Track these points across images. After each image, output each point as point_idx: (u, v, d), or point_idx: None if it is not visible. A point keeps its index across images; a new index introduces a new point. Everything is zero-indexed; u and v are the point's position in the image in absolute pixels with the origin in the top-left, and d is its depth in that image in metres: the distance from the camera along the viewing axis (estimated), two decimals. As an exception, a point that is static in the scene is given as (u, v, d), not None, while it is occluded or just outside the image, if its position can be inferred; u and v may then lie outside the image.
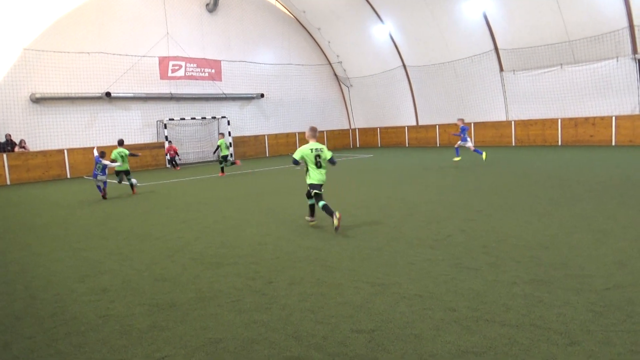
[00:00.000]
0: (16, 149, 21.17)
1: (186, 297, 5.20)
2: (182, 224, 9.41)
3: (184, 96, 26.54)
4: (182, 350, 3.94)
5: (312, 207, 8.48)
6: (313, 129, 8.31)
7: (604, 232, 6.84)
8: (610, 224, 7.29)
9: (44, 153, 21.75)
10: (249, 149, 29.32)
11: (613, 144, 21.55)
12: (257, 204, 11.38)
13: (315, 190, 8.12)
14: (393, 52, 29.31)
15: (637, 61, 20.28)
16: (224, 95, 27.92)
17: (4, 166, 20.62)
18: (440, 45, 26.59)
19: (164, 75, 25.46)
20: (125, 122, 24.74)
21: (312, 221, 8.56)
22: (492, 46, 24.63)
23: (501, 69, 24.84)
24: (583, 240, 6.50)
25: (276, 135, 30.54)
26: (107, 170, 13.73)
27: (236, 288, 5.41)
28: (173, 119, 25.94)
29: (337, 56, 32.35)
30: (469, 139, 18.27)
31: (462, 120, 18.72)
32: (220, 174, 18.69)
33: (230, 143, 27.27)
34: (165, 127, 25.55)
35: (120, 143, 15.58)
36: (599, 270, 5.28)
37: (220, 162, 18.80)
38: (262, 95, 29.66)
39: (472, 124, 27.07)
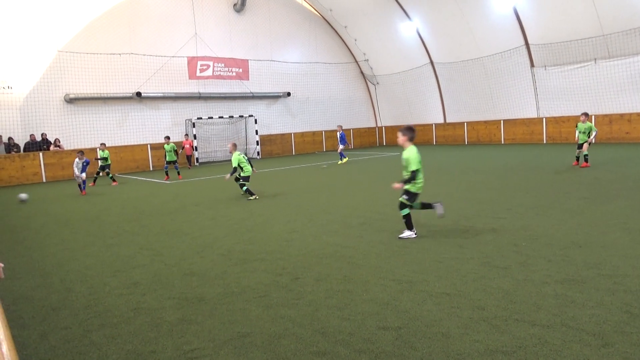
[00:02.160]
0: (51, 147, 21.86)
1: (215, 292, 5.28)
2: (210, 221, 9.55)
3: (212, 95, 26.91)
4: (210, 344, 4.01)
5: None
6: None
7: (639, 231, 6.63)
8: (647, 223, 7.05)
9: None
10: (276, 147, 29.52)
11: (650, 141, 20.81)
12: (284, 202, 11.45)
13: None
14: (420, 48, 29.00)
15: (676, 55, 19.51)
16: (251, 94, 28.17)
17: (40, 164, 21.33)
18: (468, 41, 26.16)
19: (192, 75, 25.86)
20: (155, 121, 25.25)
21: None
22: (522, 41, 24.09)
23: (532, 65, 24.27)
24: (618, 240, 6.31)
25: (302, 133, 30.64)
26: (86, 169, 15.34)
27: (263, 283, 5.46)
28: (201, 118, 26.33)
29: (364, 54, 32.22)
30: (342, 145, 20.65)
31: (340, 127, 21.43)
32: (165, 178, 18.67)
33: (257, 141, 27.50)
34: (194, 126, 25.95)
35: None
36: (635, 270, 5.12)
37: (166, 167, 18.99)
38: (289, 94, 29.79)
39: (502, 121, 26.58)
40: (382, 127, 34.60)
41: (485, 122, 27.59)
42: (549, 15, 22.43)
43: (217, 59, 26.56)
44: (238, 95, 27.90)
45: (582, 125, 14.16)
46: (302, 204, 10.89)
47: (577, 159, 14.38)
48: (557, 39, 22.60)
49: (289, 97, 30.13)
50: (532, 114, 25.28)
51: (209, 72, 26.37)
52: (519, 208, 8.80)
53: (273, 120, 29.67)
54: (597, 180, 11.44)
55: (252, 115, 28.19)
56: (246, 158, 12.51)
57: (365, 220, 8.60)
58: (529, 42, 23.85)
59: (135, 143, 24.46)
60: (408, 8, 27.68)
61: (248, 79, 27.99)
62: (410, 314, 4.36)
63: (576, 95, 22.86)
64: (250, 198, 11.98)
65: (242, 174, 12.34)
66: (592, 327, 3.86)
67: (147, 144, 24.70)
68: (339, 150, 20.86)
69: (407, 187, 6.97)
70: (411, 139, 7.15)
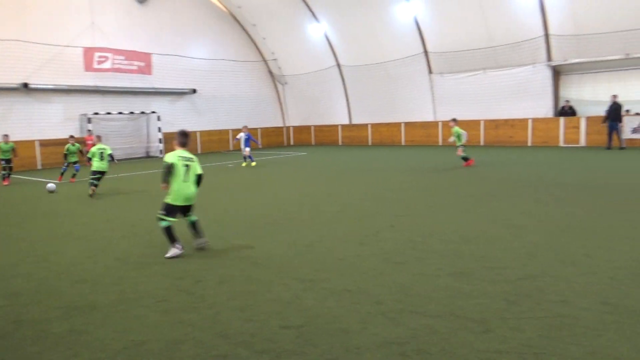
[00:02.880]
0: None
1: (108, 299, 4.97)
2: (105, 223, 8.98)
3: (110, 89, 25.25)
4: (102, 354, 3.77)
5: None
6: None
7: (519, 227, 7.32)
8: (525, 219, 7.82)
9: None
10: (181, 145, 28.42)
11: (529, 144, 23.09)
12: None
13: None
14: (328, 51, 29.60)
15: (551, 68, 21.87)
16: (153, 90, 26.88)
17: None
18: (373, 46, 27.19)
19: (89, 67, 24.08)
20: (44, 116, 23.09)
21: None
22: (422, 49, 25.55)
23: (430, 72, 25.83)
24: (501, 235, 6.92)
25: (209, 132, 29.85)
26: None
27: (162, 288, 5.25)
28: (98, 113, 24.63)
29: (272, 53, 32.19)
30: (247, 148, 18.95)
31: (246, 127, 19.57)
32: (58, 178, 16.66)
33: (160, 139, 26.36)
34: (90, 122, 24.22)
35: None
36: (514, 262, 5.65)
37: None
38: (195, 91, 28.89)
39: (403, 124, 27.97)
40: (289, 127, 34.80)
41: (388, 124, 28.87)
42: (445, 26, 24.03)
43: (116, 51, 24.98)
44: (140, 90, 26.47)
45: (453, 130, 15.69)
46: (207, 204, 10.61)
47: (464, 159, 15.74)
48: (452, 49, 24.27)
49: (195, 94, 29.22)
50: (429, 117, 26.89)
51: (107, 65, 24.72)
52: (417, 206, 9.32)
53: (177, 118, 28.49)
54: (485, 180, 12.46)
55: (154, 112, 26.91)
56: (107, 152, 12.41)
57: (272, 221, 8.60)
58: (428, 50, 25.36)
59: (21, 139, 22.24)
60: (316, 10, 28.13)
61: (151, 74, 26.68)
62: (312, 311, 4.44)
63: (468, 101, 24.71)
64: (90, 193, 12.02)
65: (91, 169, 12.25)
66: (476, 315, 4.19)
67: (34, 140, 22.59)
68: (246, 153, 18.87)
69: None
70: (181, 144, 6.68)
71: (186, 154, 6.62)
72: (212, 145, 29.94)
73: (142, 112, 26.51)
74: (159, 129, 26.75)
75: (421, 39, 25.25)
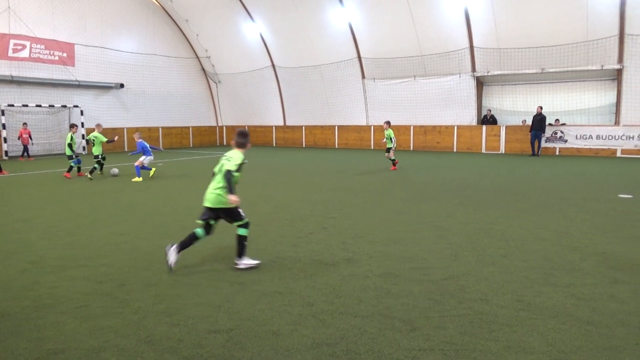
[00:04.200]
0: None
1: (21, 305, 4.62)
2: (22, 223, 8.35)
3: (28, 80, 23.52)
4: (12, 366, 3.49)
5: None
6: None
7: (444, 229, 7.67)
8: (450, 222, 8.19)
9: None
10: (106, 142, 27.03)
11: (455, 150, 24.27)
12: (115, 201, 10.56)
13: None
14: (263, 51, 29.41)
15: (474, 78, 23.13)
16: (77, 83, 25.37)
17: None
18: (308, 49, 27.37)
19: (3, 55, 22.31)
20: (-51, 106, 21.13)
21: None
22: (355, 54, 26.07)
23: (363, 77, 26.42)
24: (427, 236, 7.21)
25: (137, 128, 28.61)
26: None
27: (82, 293, 4.95)
28: (13, 105, 22.86)
29: (206, 50, 31.47)
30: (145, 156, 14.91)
31: (138, 134, 15.50)
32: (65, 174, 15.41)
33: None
34: (3, 114, 22.42)
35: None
36: (439, 262, 5.90)
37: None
38: (122, 86, 27.61)
39: (336, 127, 28.37)
40: (223, 126, 34.20)
41: (322, 126, 29.18)
42: (378, 34, 24.70)
43: (35, 39, 23.33)
44: (61, 82, 24.88)
45: (386, 132, 16.44)
46: (135, 204, 10.18)
47: (393, 162, 16.46)
48: (385, 55, 24.99)
49: (123, 89, 27.92)
50: (362, 121, 27.50)
51: (24, 54, 23.04)
52: (349, 208, 9.48)
53: (103, 113, 27.09)
54: (413, 183, 12.93)
55: (77, 106, 25.41)
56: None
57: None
58: (361, 55, 25.92)
59: None
60: (252, 10, 27.86)
61: (74, 65, 25.18)
62: (242, 314, 4.38)
63: (399, 107, 25.55)
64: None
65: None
66: (403, 315, 4.33)
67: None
68: (138, 163, 14.45)
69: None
70: (237, 145, 5.74)
71: (231, 153, 5.64)
72: (140, 143, 28.72)
73: (64, 106, 24.97)
74: (82, 124, 25.27)
75: (355, 45, 25.77)
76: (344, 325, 4.13)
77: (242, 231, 5.64)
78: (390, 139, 16.32)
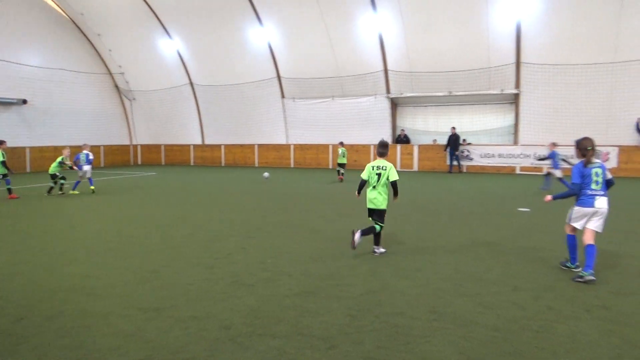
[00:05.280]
0: None
1: None
2: None
3: None
4: None
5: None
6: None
7: (362, 244, 7.84)
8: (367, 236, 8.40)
9: None
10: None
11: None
12: (8, 228, 9.68)
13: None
14: (180, 69, 28.76)
15: (389, 99, 24.22)
16: (-30, 97, 23.20)
17: None
18: (228, 68, 27.18)
19: None
20: None
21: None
22: (275, 74, 26.30)
23: (283, 96, 26.68)
24: (343, 252, 7.34)
25: (41, 148, 26.59)
26: None
27: (-29, 330, 4.46)
28: None
29: (120, 66, 30.17)
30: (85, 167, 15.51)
31: (84, 146, 15.91)
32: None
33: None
34: None
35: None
36: (357, 278, 6.03)
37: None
38: (25, 101, 25.61)
39: (256, 146, 28.28)
40: (137, 145, 32.77)
41: (242, 145, 28.94)
42: (297, 54, 25.17)
43: None
44: (-49, 97, 22.62)
45: (340, 150, 19.19)
46: (33, 230, 9.39)
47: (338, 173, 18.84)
48: (304, 75, 25.46)
49: (25, 105, 25.90)
50: (282, 140, 27.66)
51: None
52: (268, 227, 9.43)
53: (2, 131, 24.89)
54: (333, 201, 13.15)
55: (-29, 123, 23.18)
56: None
57: (114, 246, 7.93)
58: (281, 75, 26.20)
59: None
60: (168, 26, 27.23)
61: (-33, 79, 23.02)
62: (155, 343, 4.17)
63: (318, 126, 26.06)
64: None
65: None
66: (321, 333, 4.35)
67: None
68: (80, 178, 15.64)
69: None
70: (379, 154, 7.35)
71: (381, 163, 7.16)
72: (45, 163, 26.62)
73: (-46, 123, 22.62)
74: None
75: (275, 64, 26.02)
76: (263, 347, 4.07)
77: (378, 228, 7.16)
78: (344, 155, 18.94)
